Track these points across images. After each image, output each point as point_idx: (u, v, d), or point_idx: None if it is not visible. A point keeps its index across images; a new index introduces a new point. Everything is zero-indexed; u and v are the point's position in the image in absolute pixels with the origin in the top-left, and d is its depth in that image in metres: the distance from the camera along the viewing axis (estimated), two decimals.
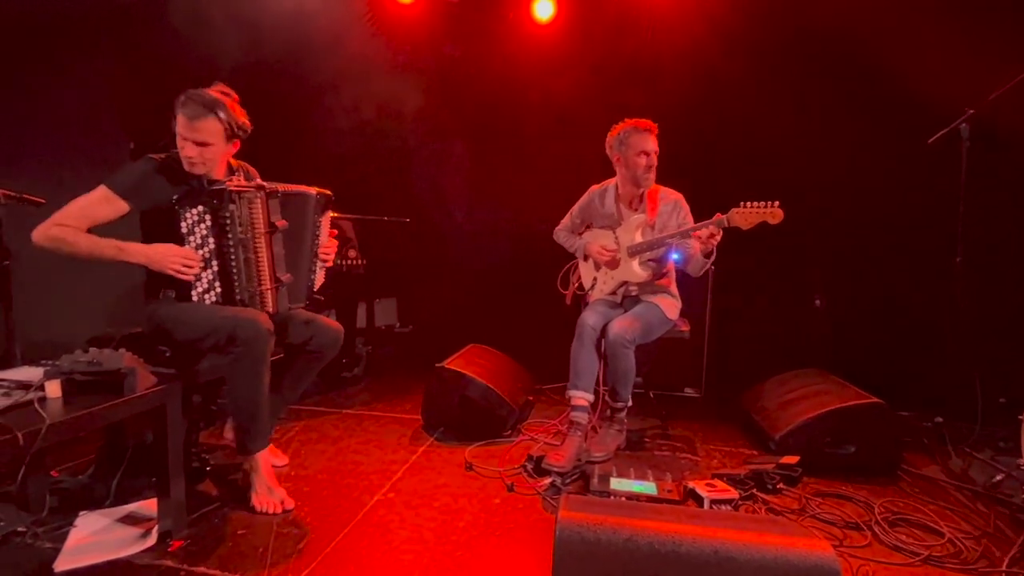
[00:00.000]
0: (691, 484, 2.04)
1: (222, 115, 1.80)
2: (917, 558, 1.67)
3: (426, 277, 4.26)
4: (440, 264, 4.26)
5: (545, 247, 2.95)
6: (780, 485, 2.11)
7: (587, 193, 2.71)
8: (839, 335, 3.34)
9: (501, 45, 3.74)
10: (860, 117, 3.05)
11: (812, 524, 1.87)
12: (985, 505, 1.99)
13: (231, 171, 1.99)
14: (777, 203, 2.10)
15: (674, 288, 2.59)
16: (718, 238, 2.19)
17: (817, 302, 3.63)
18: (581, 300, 2.78)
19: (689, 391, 3.17)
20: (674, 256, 2.62)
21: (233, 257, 1.86)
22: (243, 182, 1.90)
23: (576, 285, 2.81)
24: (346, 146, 3.95)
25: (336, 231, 2.21)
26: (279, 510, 1.86)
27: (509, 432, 2.63)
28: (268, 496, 1.88)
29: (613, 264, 2.54)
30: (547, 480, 2.12)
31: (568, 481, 2.13)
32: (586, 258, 2.69)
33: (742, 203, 2.13)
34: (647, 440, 2.60)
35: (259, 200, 1.87)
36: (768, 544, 1.19)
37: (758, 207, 2.11)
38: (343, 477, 2.16)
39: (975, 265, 2.45)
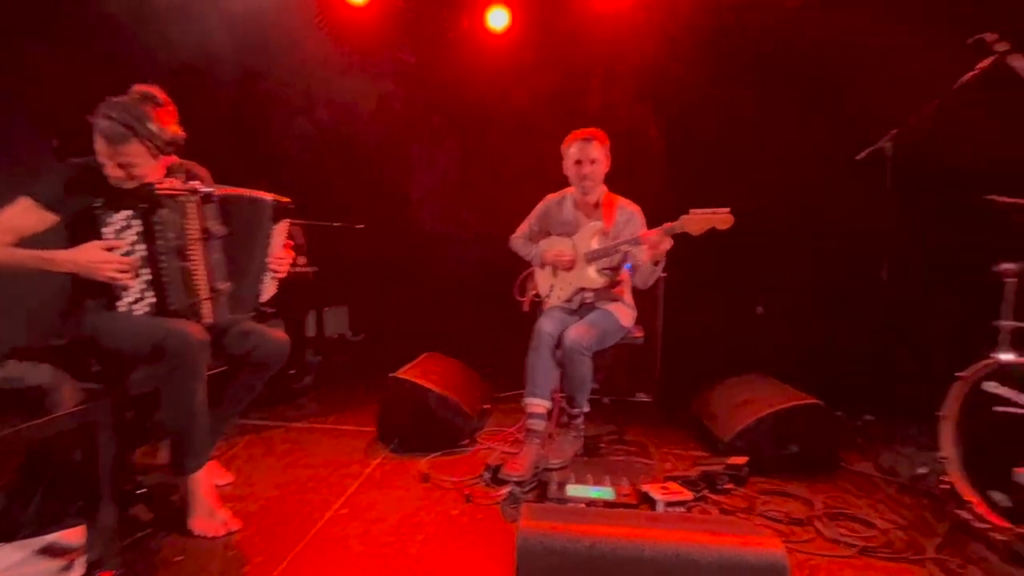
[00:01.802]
0: (645, 487, 2.08)
1: (145, 136, 1.66)
2: (854, 549, 1.77)
3: (379, 285, 4.17)
4: (394, 271, 4.18)
5: (501, 254, 2.95)
6: (729, 485, 2.19)
7: (543, 201, 2.75)
8: (780, 340, 3.53)
9: (458, 52, 3.74)
10: (803, 131, 3.24)
11: (761, 522, 1.95)
12: (911, 497, 2.14)
13: (169, 172, 1.87)
14: (728, 209, 2.15)
15: (629, 297, 2.66)
16: (668, 245, 2.25)
17: (759, 309, 3.84)
18: (538, 307, 2.81)
19: (642, 396, 3.24)
20: (628, 265, 2.69)
21: (164, 265, 1.74)
22: (176, 184, 1.78)
23: (533, 292, 2.83)
24: (300, 149, 3.82)
25: (291, 241, 2.12)
26: (221, 532, 1.75)
27: (467, 442, 2.60)
28: (208, 519, 1.76)
29: (570, 269, 2.57)
30: (506, 489, 2.10)
31: (527, 489, 2.12)
32: (543, 265, 2.72)
33: (691, 209, 2.19)
34: (603, 446, 2.63)
35: (193, 205, 1.75)
36: (725, 544, 1.23)
37: (708, 213, 2.16)
38: (293, 494, 2.06)
39: (901, 274, 2.65)
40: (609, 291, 2.60)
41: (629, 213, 2.58)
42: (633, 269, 2.53)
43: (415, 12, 3.63)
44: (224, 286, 1.85)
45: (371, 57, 3.76)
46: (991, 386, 2.00)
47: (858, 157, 2.66)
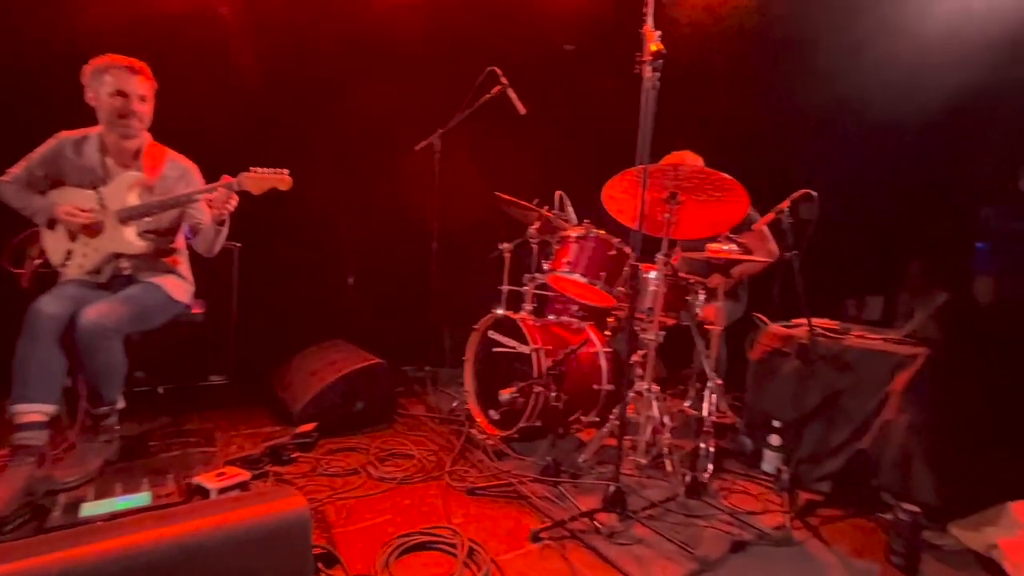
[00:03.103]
0: (199, 479, 1.87)
1: None
2: (395, 481, 2.08)
3: None
4: None
5: None
6: (296, 454, 2.22)
7: (54, 139, 2.10)
8: (364, 308, 3.81)
9: None
10: (381, 121, 3.51)
11: (320, 481, 2.05)
12: (446, 426, 2.68)
13: None
14: (287, 171, 2.10)
15: (185, 268, 2.31)
16: (233, 203, 2.08)
17: (350, 280, 4.03)
18: (55, 280, 2.12)
19: (215, 378, 2.92)
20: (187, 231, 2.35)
21: None
22: None
23: (37, 261, 2.11)
24: None
25: None
26: None
27: None
28: None
29: (95, 231, 2.04)
30: None
31: (10, 529, 1.58)
32: (53, 224, 2.06)
33: (252, 168, 2.07)
34: (153, 443, 2.24)
35: None
36: (241, 519, 1.20)
37: (268, 172, 2.07)
38: None
39: (445, 249, 3.23)
40: (158, 260, 2.19)
41: (182, 169, 2.23)
42: (193, 233, 2.22)
43: None
44: None
45: None
46: (493, 333, 2.69)
47: (416, 148, 3.08)
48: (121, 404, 2.01)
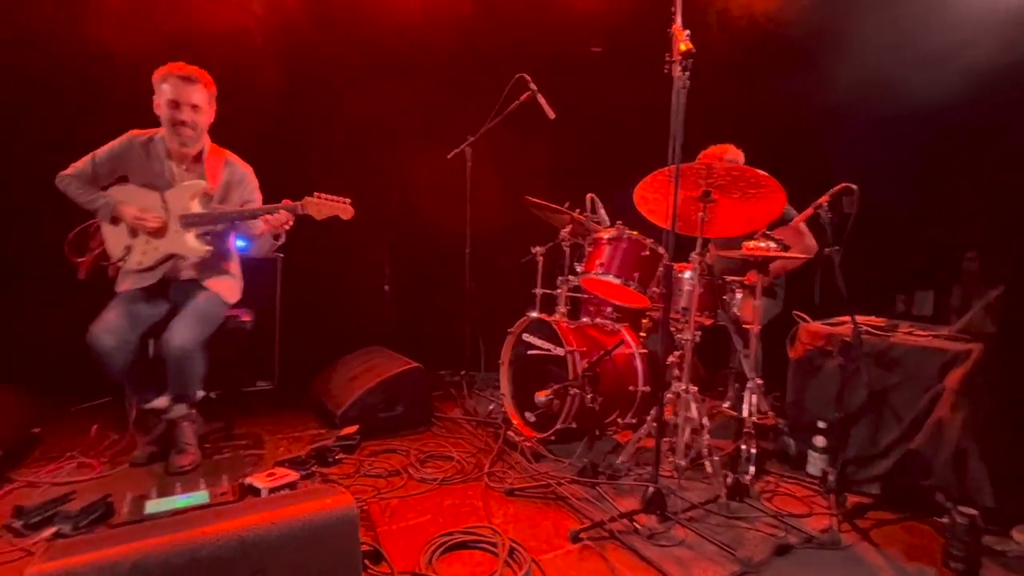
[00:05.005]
0: (249, 480, 1.97)
1: None
2: (435, 482, 2.12)
3: None
4: None
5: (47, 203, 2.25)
6: (340, 456, 2.30)
7: (126, 137, 2.19)
8: (401, 314, 3.90)
9: None
10: (415, 132, 3.61)
11: (364, 482, 2.12)
12: (483, 429, 2.72)
13: None
14: (349, 201, 2.14)
15: (236, 267, 2.40)
16: (290, 224, 2.15)
17: (386, 288, 4.14)
18: (107, 272, 2.25)
19: (262, 384, 3.05)
20: (239, 244, 2.47)
21: None
22: None
23: (98, 253, 2.25)
24: None
25: None
26: None
27: None
28: None
29: (160, 232, 2.16)
30: (49, 531, 1.63)
31: (85, 523, 1.70)
32: (116, 221, 2.18)
33: (316, 194, 2.11)
34: (207, 446, 2.35)
35: None
36: (294, 515, 1.26)
37: (332, 200, 2.11)
38: None
39: (478, 255, 3.28)
40: (213, 261, 2.28)
41: (241, 173, 2.31)
42: (250, 239, 2.36)
43: None
44: None
45: None
46: (527, 336, 2.72)
47: (448, 156, 3.15)
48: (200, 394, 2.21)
